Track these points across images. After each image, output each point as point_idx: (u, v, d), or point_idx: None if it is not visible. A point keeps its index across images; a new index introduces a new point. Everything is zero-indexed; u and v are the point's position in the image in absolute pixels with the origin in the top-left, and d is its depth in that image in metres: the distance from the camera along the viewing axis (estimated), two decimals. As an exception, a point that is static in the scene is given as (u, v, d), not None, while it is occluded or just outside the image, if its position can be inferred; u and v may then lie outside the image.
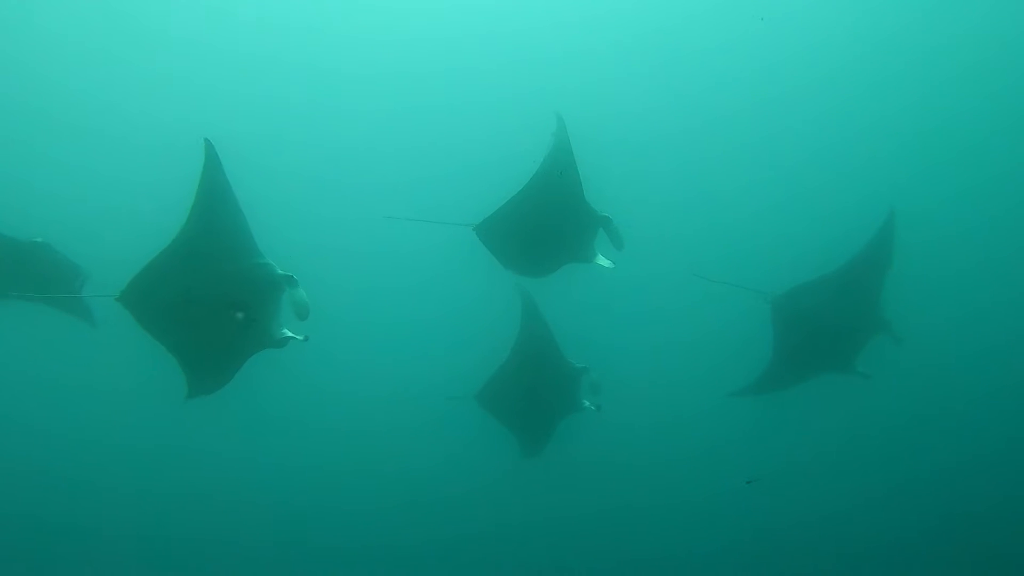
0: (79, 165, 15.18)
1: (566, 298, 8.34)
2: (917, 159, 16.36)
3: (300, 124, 15.99)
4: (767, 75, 16.46)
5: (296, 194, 15.28)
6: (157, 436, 12.73)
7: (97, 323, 7.34)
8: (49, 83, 15.19)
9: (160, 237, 4.92)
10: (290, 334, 5.19)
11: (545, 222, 6.47)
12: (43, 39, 14.80)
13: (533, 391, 7.78)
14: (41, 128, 14.98)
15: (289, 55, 15.77)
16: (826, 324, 7.34)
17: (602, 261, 6.72)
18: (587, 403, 7.80)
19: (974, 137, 16.35)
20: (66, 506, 12.33)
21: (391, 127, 16.15)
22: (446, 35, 15.88)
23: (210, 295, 4.94)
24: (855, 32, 15.87)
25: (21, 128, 14.77)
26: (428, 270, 15.02)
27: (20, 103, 14.87)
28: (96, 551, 11.96)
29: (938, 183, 16.06)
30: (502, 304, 7.85)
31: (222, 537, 12.49)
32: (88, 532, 12.16)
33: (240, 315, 5.06)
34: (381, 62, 15.95)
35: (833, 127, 16.70)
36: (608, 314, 14.50)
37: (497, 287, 7.67)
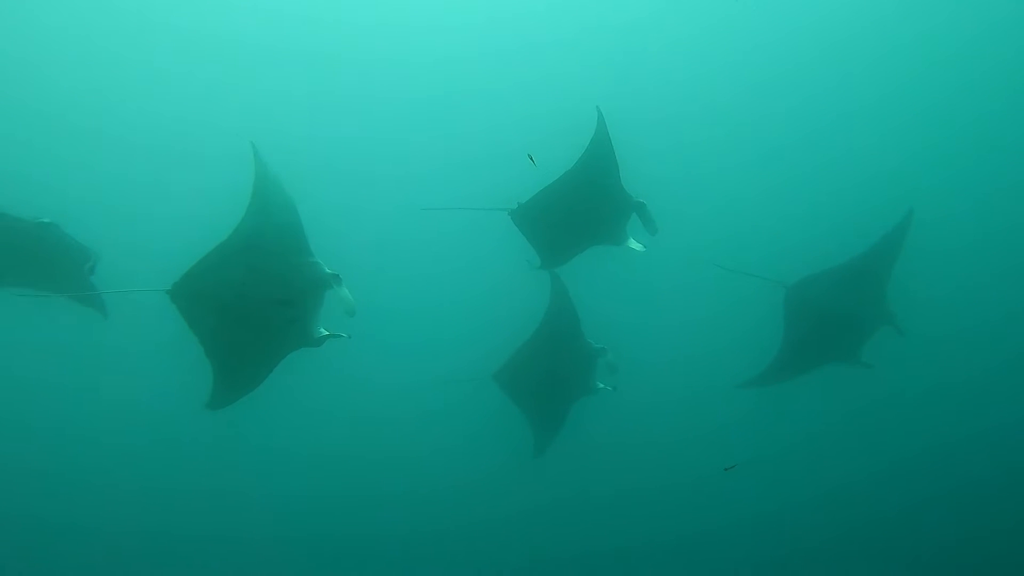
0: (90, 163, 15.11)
1: (587, 279, 8.38)
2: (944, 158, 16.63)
3: (329, 117, 16.14)
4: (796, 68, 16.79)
5: (329, 187, 15.24)
6: (173, 427, 12.67)
7: (108, 315, 6.78)
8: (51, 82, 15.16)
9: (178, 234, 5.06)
10: (326, 332, 5.18)
11: (580, 209, 6.62)
12: (47, 39, 14.87)
13: (552, 372, 7.85)
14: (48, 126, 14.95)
15: (316, 47, 15.89)
16: (836, 314, 7.45)
17: (633, 244, 6.87)
18: (602, 384, 7.86)
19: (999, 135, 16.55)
20: (76, 505, 12.39)
21: (420, 117, 16.34)
22: (477, 21, 16.12)
23: (260, 293, 4.94)
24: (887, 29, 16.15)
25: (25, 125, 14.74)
26: (453, 259, 15.23)
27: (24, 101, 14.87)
28: (106, 549, 12.04)
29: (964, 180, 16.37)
30: (524, 290, 7.99)
31: (247, 531, 12.69)
32: (98, 530, 12.24)
33: (288, 312, 5.05)
34: (410, 50, 16.16)
35: (860, 125, 16.95)
36: (625, 297, 14.66)
37: (519, 275, 7.73)
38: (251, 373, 5.21)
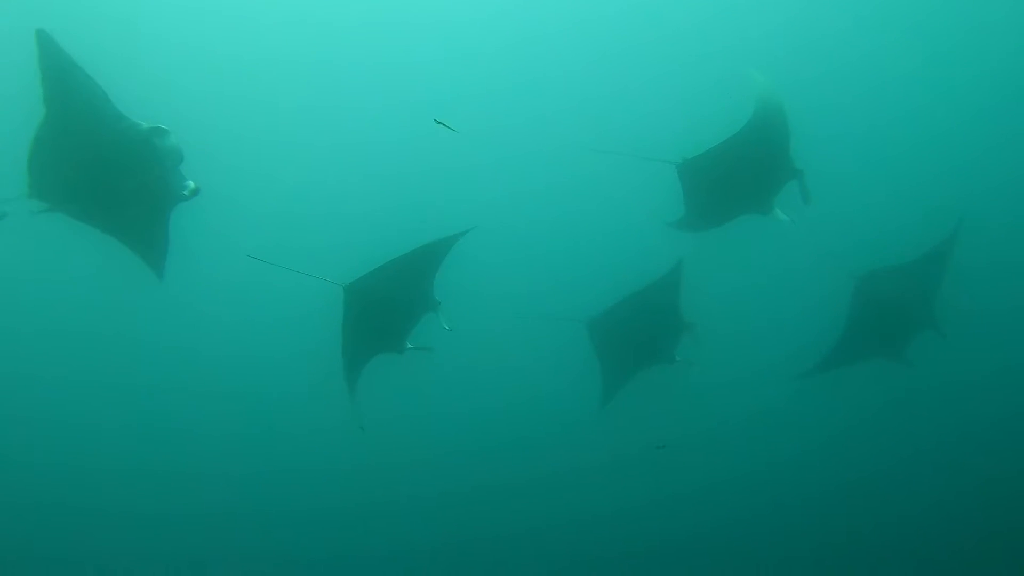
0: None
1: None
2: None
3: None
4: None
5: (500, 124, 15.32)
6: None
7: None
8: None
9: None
10: (193, 184, 5.38)
11: (744, 170, 6.58)
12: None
13: (641, 332, 8.26)
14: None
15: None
16: (898, 309, 7.93)
17: (780, 215, 6.86)
18: (680, 358, 8.31)
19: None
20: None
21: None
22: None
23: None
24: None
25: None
26: (591, 204, 15.37)
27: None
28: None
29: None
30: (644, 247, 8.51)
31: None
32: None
33: (133, 180, 5.22)
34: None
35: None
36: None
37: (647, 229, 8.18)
38: (149, 240, 5.58)
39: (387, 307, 6.78)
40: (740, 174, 6.67)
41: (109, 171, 5.19)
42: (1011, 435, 13.51)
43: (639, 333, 8.33)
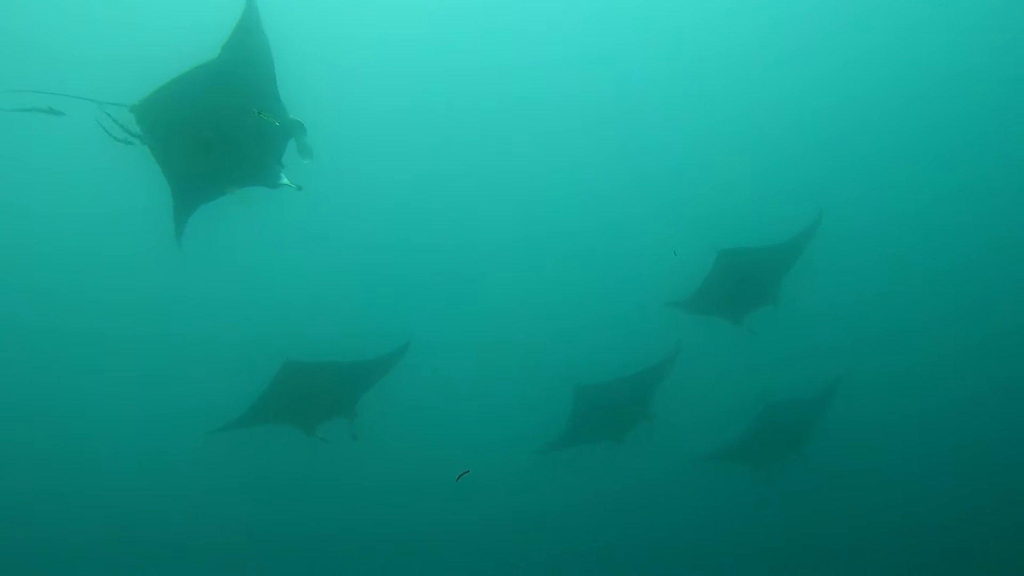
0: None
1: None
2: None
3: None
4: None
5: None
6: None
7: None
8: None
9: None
10: (286, 180, 5.36)
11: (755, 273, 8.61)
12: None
13: (617, 409, 9.08)
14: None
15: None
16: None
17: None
18: (633, 439, 9.31)
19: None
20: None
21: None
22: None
23: (225, 117, 5.09)
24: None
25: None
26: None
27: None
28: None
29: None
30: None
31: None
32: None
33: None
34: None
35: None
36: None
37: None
38: (201, 187, 5.31)
39: (312, 396, 7.34)
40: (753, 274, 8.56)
41: (229, 130, 5.14)
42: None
43: (614, 411, 9.14)
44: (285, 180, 5.32)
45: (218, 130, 5.03)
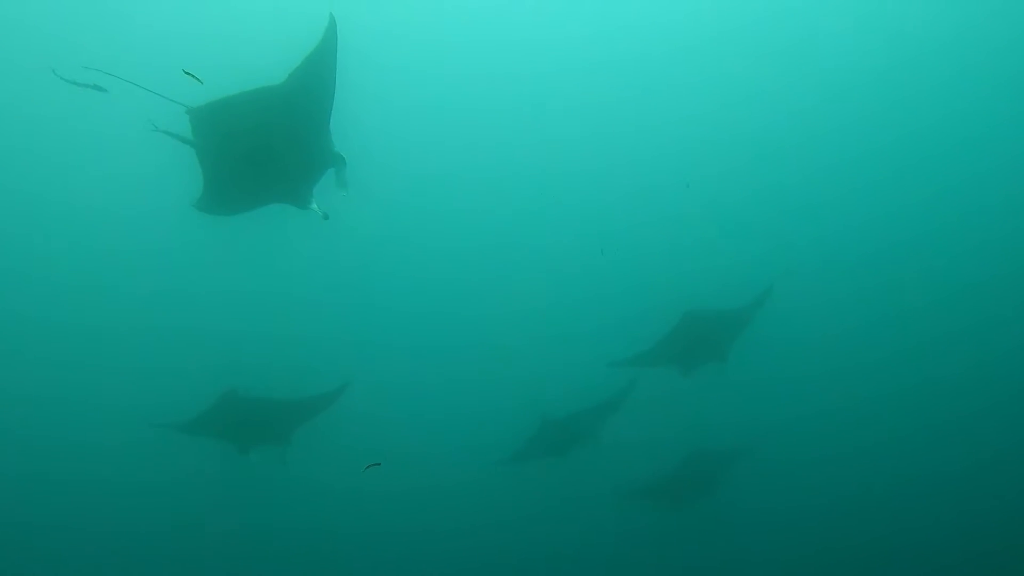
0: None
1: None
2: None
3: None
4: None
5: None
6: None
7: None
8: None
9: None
10: (316, 208, 5.50)
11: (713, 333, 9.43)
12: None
13: (574, 434, 9.97)
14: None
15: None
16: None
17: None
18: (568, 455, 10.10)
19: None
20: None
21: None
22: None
23: (271, 136, 5.26)
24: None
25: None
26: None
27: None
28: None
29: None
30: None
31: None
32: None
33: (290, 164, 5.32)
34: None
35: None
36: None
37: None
38: (238, 194, 5.55)
39: (248, 425, 7.89)
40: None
41: (278, 151, 5.34)
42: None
43: (570, 439, 9.99)
44: (315, 206, 5.51)
45: (269, 150, 5.28)
